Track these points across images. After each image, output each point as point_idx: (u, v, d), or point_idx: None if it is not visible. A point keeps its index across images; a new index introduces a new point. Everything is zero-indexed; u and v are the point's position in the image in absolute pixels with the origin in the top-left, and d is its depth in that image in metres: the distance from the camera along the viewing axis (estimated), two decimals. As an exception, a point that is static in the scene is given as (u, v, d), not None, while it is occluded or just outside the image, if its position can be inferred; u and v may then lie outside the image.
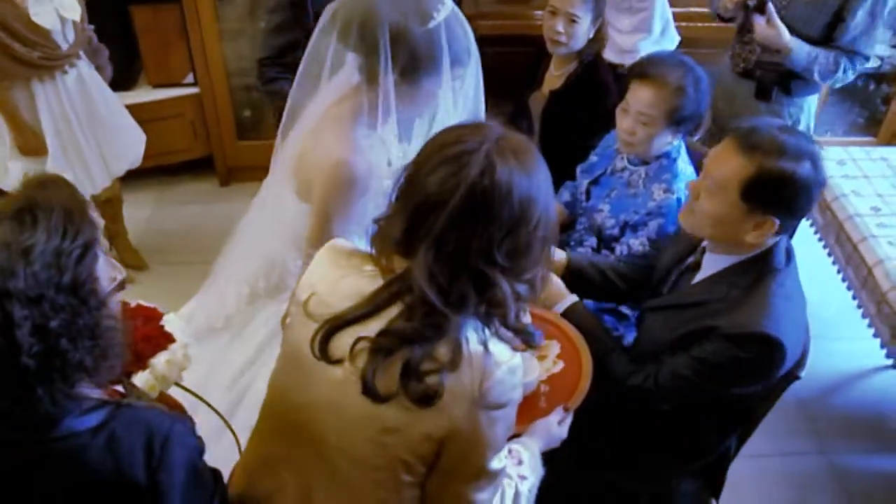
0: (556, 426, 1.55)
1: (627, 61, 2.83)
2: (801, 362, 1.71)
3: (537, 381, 1.68)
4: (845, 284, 2.65)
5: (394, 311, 1.16)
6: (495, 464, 1.24)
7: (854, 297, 2.58)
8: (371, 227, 1.24)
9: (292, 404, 1.27)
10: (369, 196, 1.63)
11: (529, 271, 1.18)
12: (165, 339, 1.35)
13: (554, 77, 2.54)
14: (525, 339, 1.22)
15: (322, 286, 1.24)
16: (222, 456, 1.54)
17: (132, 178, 3.18)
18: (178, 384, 1.40)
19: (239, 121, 3.65)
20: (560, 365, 1.73)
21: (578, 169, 2.36)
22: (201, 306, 1.91)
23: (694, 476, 1.90)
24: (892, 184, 2.76)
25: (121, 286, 1.13)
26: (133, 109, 3.07)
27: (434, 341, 1.13)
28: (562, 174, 2.40)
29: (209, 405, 1.46)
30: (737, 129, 1.60)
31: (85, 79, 2.71)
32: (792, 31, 2.45)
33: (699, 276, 1.72)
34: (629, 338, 2.07)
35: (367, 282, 1.20)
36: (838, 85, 2.58)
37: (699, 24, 3.14)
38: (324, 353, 1.18)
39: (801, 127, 2.73)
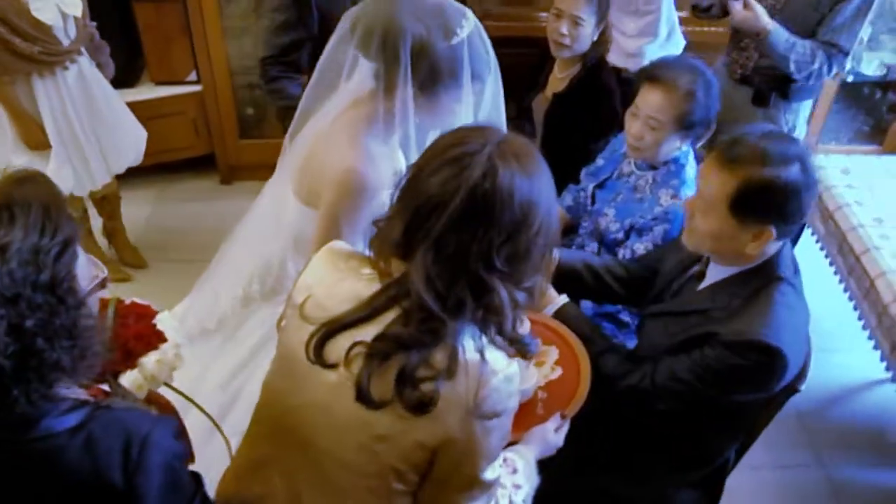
0: (552, 434, 1.54)
1: (632, 65, 2.83)
2: (801, 374, 1.70)
3: (534, 387, 1.66)
4: (847, 295, 2.63)
5: (391, 315, 1.14)
6: (489, 473, 1.22)
7: (855, 309, 2.56)
8: (370, 229, 1.22)
9: (285, 407, 1.26)
10: (377, 204, 1.62)
11: (528, 278, 1.17)
12: (157, 338, 1.34)
13: (557, 79, 2.53)
14: (520, 350, 1.20)
15: (319, 289, 1.23)
16: (212, 458, 1.53)
17: (133, 175, 3.17)
18: (168, 385, 1.38)
19: (241, 119, 3.64)
20: (558, 371, 1.72)
21: (584, 172, 2.35)
22: (194, 306, 1.90)
23: (692, 486, 1.89)
24: (896, 194, 2.74)
25: (102, 285, 1.11)
26: (135, 106, 3.06)
27: (430, 348, 1.11)
28: (564, 177, 2.39)
29: (199, 407, 1.45)
30: (720, 143, 1.59)
31: (86, 75, 2.70)
32: (787, 30, 2.44)
33: (703, 285, 1.71)
34: (629, 346, 2.05)
35: (364, 285, 1.19)
36: (812, 81, 2.55)
37: (705, 29, 3.13)
38: (319, 357, 1.17)
39: (798, 132, 2.72)
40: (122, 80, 3.17)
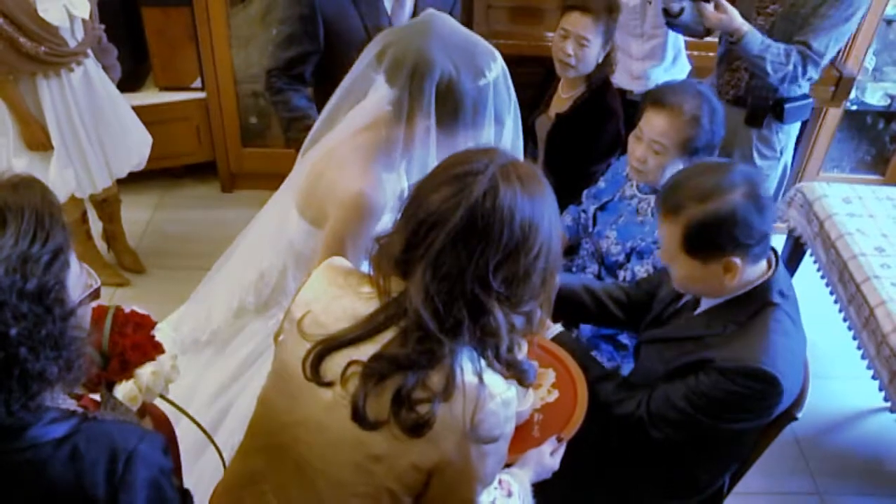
0: (548, 457, 1.53)
1: (637, 87, 2.83)
2: (798, 402, 1.69)
3: (531, 410, 1.65)
4: (846, 324, 2.62)
5: (388, 335, 1.13)
6: (484, 497, 1.21)
7: (854, 338, 2.55)
8: (372, 246, 1.22)
9: (279, 423, 1.24)
10: (380, 225, 1.62)
11: (527, 303, 1.16)
12: (154, 349, 1.32)
13: (561, 100, 2.53)
14: (517, 375, 1.19)
15: (317, 305, 1.22)
16: (205, 471, 1.52)
17: (134, 179, 3.16)
18: (163, 397, 1.37)
19: (245, 127, 3.64)
20: (555, 394, 1.71)
21: (585, 194, 2.35)
22: (188, 315, 1.89)
23: (686, 513, 1.87)
24: (898, 224, 2.74)
25: (95, 295, 1.09)
26: (139, 111, 3.06)
27: (427, 369, 1.10)
28: (565, 198, 2.39)
29: (194, 421, 1.43)
30: (662, 194, 1.63)
31: (92, 78, 2.70)
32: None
33: (697, 311, 1.71)
34: (626, 369, 2.04)
35: (363, 304, 1.18)
36: (786, 84, 2.55)
37: (711, 54, 3.14)
38: (315, 375, 1.16)
39: (787, 155, 2.74)
40: (126, 84, 3.17)
